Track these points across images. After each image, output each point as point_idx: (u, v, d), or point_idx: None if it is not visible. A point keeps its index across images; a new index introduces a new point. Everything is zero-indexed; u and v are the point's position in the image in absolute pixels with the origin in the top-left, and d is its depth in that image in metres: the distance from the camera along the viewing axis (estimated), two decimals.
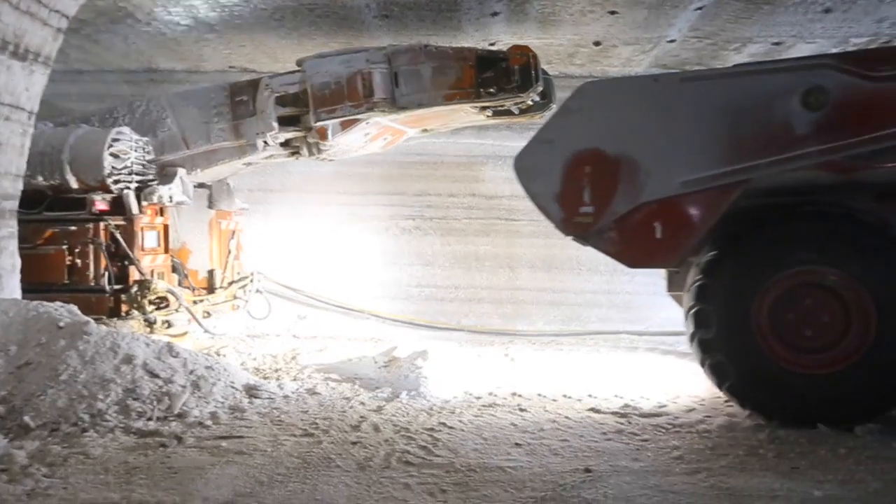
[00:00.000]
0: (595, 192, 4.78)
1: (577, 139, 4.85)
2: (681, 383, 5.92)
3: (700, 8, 6.48)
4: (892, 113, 4.46)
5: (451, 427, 4.67)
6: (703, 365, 4.74)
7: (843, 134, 4.49)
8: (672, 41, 7.42)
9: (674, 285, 5.26)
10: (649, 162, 4.72)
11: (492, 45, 7.29)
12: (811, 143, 4.53)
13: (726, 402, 5.27)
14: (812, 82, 4.54)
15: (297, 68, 6.69)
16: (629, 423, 4.75)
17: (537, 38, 7.26)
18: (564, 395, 5.56)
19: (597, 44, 7.57)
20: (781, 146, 4.56)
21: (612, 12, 6.59)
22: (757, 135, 4.61)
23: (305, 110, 6.57)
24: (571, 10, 6.55)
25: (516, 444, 4.35)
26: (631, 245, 4.80)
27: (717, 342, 4.59)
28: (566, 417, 4.92)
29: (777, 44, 7.52)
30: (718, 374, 4.66)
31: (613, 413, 5.00)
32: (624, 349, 7.87)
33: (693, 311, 4.67)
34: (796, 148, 4.54)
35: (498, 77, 5.99)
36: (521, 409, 5.14)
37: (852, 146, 4.48)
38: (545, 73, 6.42)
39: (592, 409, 5.11)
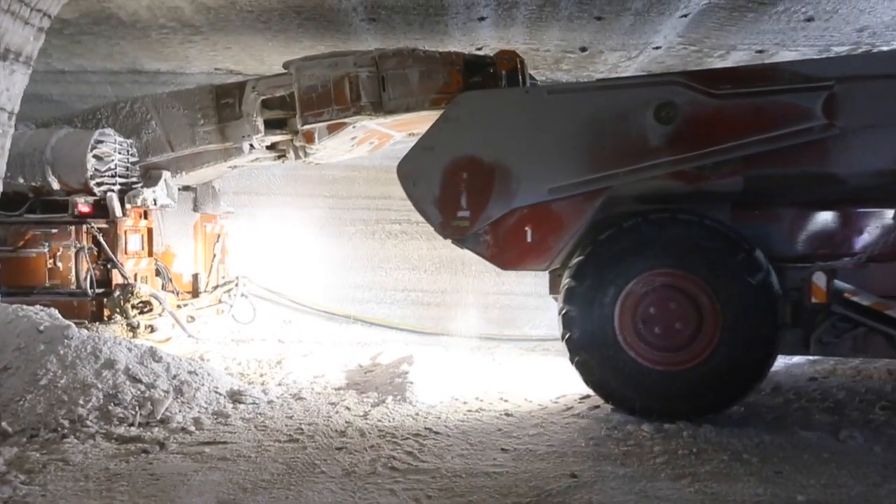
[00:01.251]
0: (471, 197, 5.07)
1: (454, 147, 5.13)
2: None
3: (685, 15, 6.54)
4: (732, 128, 4.81)
5: (437, 432, 4.65)
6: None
7: (691, 146, 4.85)
8: (658, 48, 7.49)
9: (554, 288, 5.46)
10: (521, 169, 5.02)
11: (479, 49, 7.30)
12: (663, 154, 4.87)
13: None
14: (663, 97, 4.88)
15: (283, 71, 6.65)
16: (615, 428, 4.75)
17: (524, 43, 7.29)
18: (552, 401, 5.56)
19: (583, 49, 7.61)
20: (637, 157, 4.90)
21: (599, 18, 6.63)
22: (616, 145, 4.94)
23: (292, 113, 6.53)
24: (558, 15, 6.58)
25: (502, 449, 4.34)
26: (504, 248, 5.10)
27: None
28: (552, 423, 4.92)
29: (760, 51, 7.62)
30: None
31: (599, 419, 5.00)
32: None
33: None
34: (650, 158, 4.88)
35: (485, 82, 5.99)
36: (508, 414, 5.13)
37: (698, 158, 4.83)
38: (532, 78, 6.44)
39: (578, 415, 5.11)
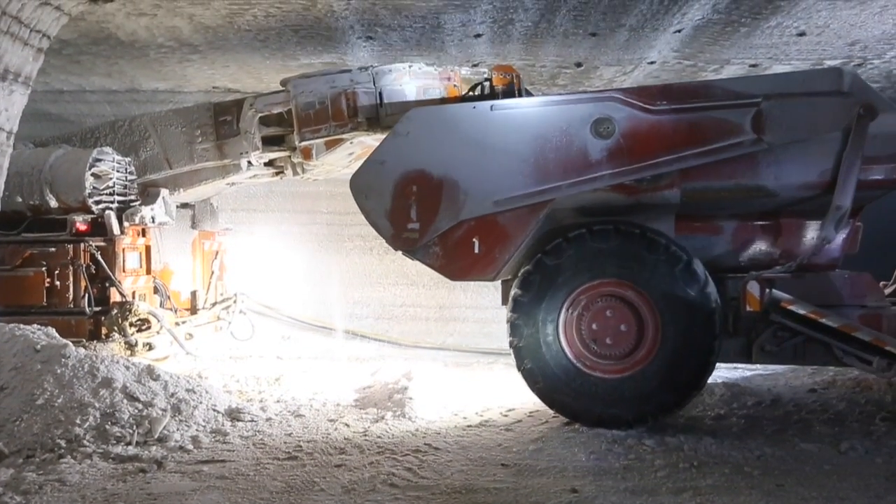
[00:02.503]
0: (420, 210, 5.23)
1: (405, 161, 5.28)
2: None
3: (679, 31, 6.61)
4: (668, 142, 5.04)
5: (436, 448, 4.63)
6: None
7: (629, 160, 5.06)
8: (653, 63, 7.56)
9: (506, 298, 5.55)
10: (468, 183, 5.18)
11: (475, 65, 7.37)
12: (603, 167, 5.09)
13: (711, 420, 5.30)
14: (601, 113, 5.09)
15: (281, 88, 6.69)
16: (615, 442, 4.73)
17: (520, 59, 7.35)
18: (552, 415, 5.53)
19: (579, 65, 7.68)
20: (579, 170, 5.10)
21: (594, 34, 6.70)
22: (558, 159, 5.12)
23: (290, 130, 6.56)
24: (554, 31, 6.65)
25: (502, 464, 4.32)
26: (453, 260, 5.25)
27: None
28: (552, 437, 4.89)
29: (754, 65, 7.69)
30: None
31: (599, 433, 4.97)
32: None
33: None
34: (591, 172, 5.09)
35: (482, 96, 6.03)
36: (507, 429, 5.11)
37: (636, 171, 5.05)
38: (529, 93, 6.49)
39: (578, 430, 5.08)
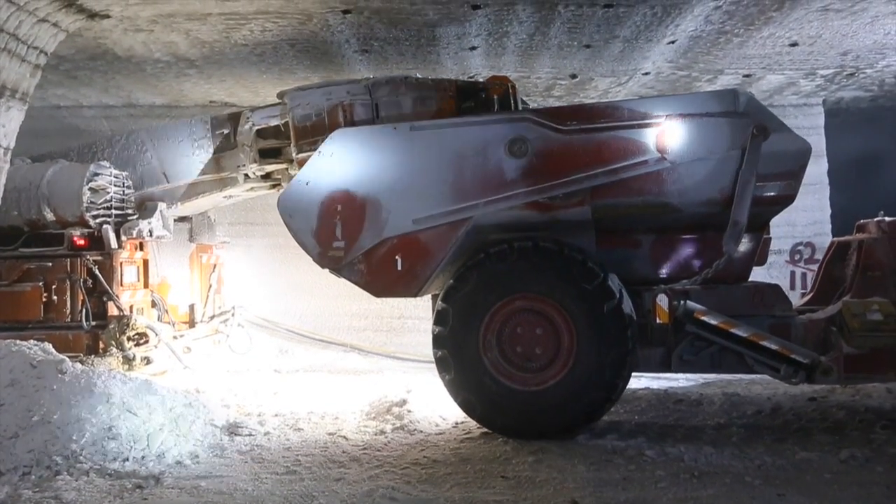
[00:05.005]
0: (345, 228, 5.37)
1: (329, 181, 5.42)
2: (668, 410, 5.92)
3: (673, 42, 6.67)
4: (578, 161, 5.20)
5: (436, 460, 4.61)
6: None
7: (542, 178, 5.22)
8: (647, 73, 7.61)
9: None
10: (390, 201, 5.32)
11: (471, 77, 7.41)
12: (518, 185, 5.24)
13: (711, 430, 5.29)
14: (516, 133, 5.24)
15: (278, 101, 6.72)
16: (615, 453, 4.71)
17: (516, 71, 7.41)
18: None
19: (574, 77, 7.74)
20: (495, 188, 5.25)
21: (588, 46, 6.76)
22: (476, 178, 5.28)
23: (287, 142, 6.57)
24: (548, 43, 6.70)
25: (502, 476, 4.30)
26: (376, 276, 5.37)
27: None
28: (552, 449, 4.86)
29: (748, 75, 7.75)
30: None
31: (599, 444, 4.96)
32: None
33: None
34: (507, 190, 5.24)
35: (478, 107, 6.06)
36: (507, 441, 5.09)
37: (549, 189, 5.21)
38: (524, 102, 6.52)
39: (578, 441, 5.06)
